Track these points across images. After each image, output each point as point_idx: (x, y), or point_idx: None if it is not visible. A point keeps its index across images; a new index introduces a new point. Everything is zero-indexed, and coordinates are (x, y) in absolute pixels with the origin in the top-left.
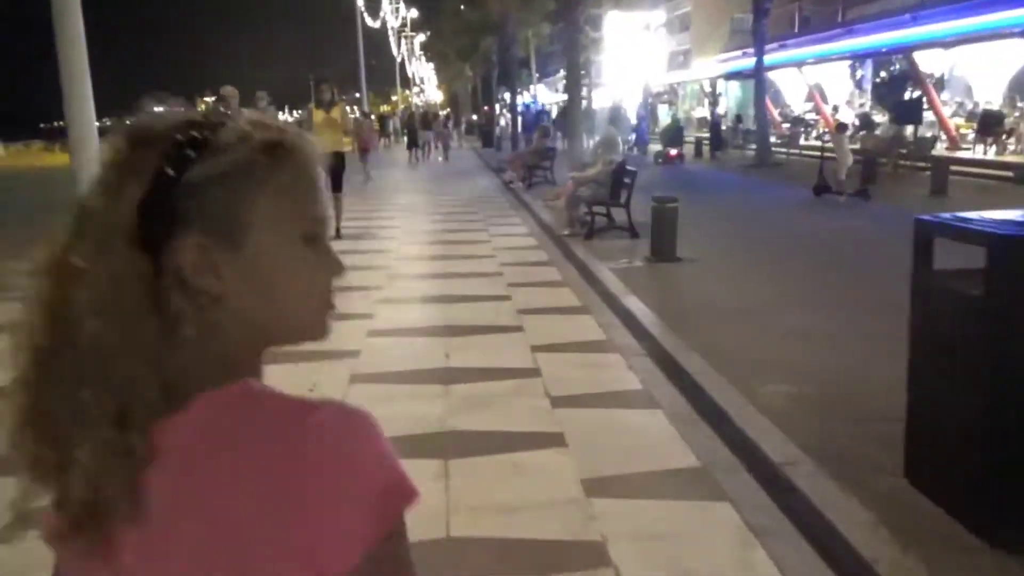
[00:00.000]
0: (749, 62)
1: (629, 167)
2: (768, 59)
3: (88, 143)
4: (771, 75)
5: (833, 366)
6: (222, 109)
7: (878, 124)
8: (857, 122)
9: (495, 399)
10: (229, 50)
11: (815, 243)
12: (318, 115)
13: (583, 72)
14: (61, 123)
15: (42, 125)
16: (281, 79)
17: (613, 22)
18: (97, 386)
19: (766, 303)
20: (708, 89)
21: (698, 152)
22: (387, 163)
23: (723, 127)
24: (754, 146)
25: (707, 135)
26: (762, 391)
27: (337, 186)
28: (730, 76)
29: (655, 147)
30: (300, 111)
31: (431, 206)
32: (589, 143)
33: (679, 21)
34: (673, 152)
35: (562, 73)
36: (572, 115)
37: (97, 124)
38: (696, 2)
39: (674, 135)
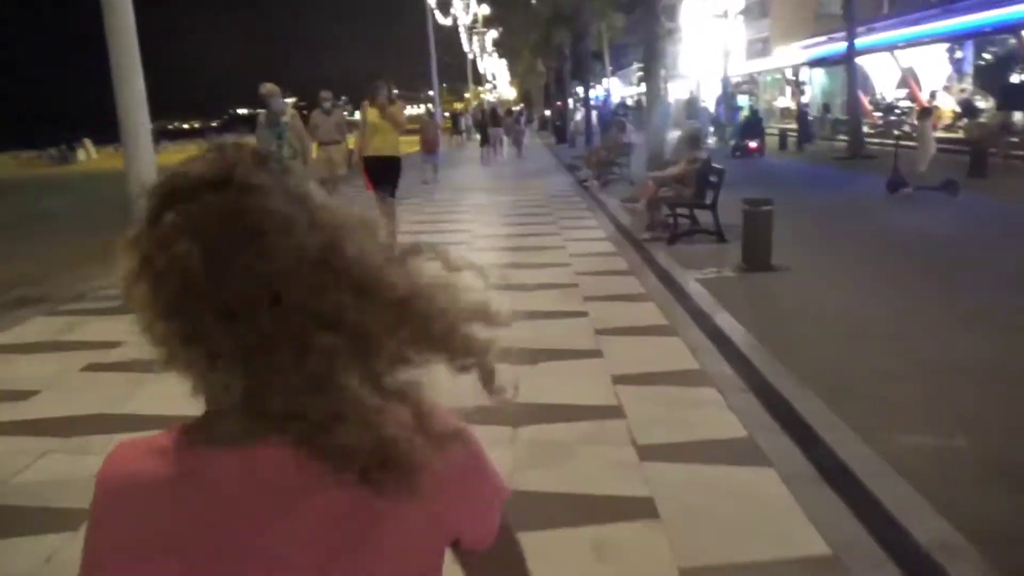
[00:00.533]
0: (836, 47)
1: (716, 165)
2: (858, 43)
3: (142, 147)
4: (860, 60)
5: (989, 410)
6: (264, 107)
7: (983, 110)
8: (959, 109)
9: (571, 448)
10: (300, 49)
11: (930, 246)
12: (372, 114)
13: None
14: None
15: None
16: (356, 77)
17: (689, 9)
18: None
19: (885, 322)
20: (791, 77)
21: (783, 144)
22: (459, 161)
23: (810, 117)
24: (844, 137)
25: (791, 126)
26: (899, 444)
27: (391, 191)
28: (815, 63)
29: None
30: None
31: (501, 207)
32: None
33: (758, 8)
34: (753, 144)
35: (636, 66)
36: (650, 108)
37: (171, 126)
38: None
39: (753, 126)
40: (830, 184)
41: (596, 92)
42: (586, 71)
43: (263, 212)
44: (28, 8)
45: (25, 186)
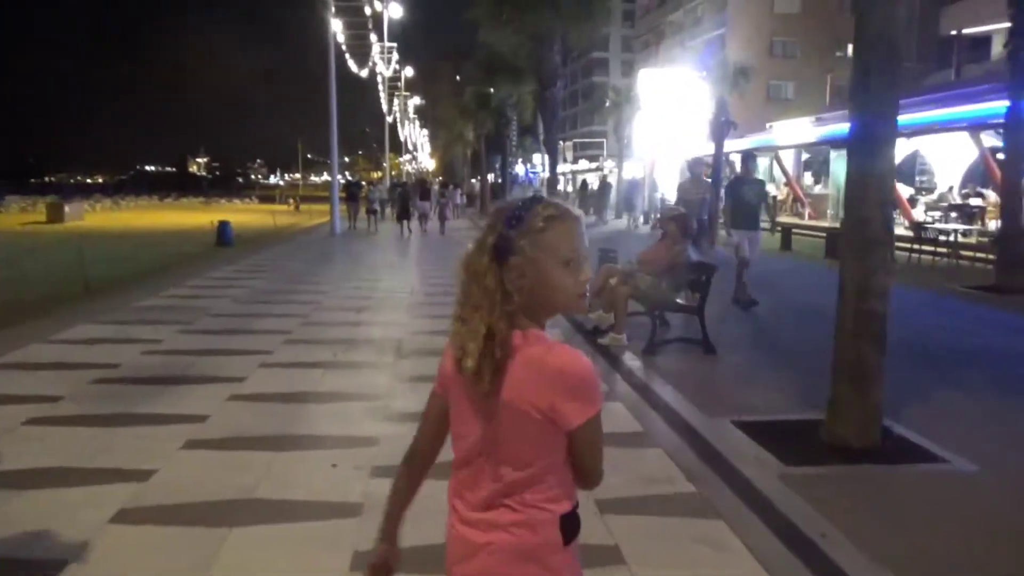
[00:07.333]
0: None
1: None
2: (952, 113)
3: None
4: (919, 140)
5: None
6: None
7: None
8: None
9: None
10: (217, 113)
11: None
12: None
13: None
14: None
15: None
16: (271, 140)
17: (648, 80)
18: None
19: None
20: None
21: (830, 251)
22: (357, 254)
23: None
24: (938, 249)
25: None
26: None
27: None
28: (838, 143)
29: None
30: (289, 175)
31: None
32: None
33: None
34: None
35: (570, 142)
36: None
37: (72, 180)
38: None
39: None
40: None
41: (518, 169)
42: (554, 131)
43: None
44: None
45: None
